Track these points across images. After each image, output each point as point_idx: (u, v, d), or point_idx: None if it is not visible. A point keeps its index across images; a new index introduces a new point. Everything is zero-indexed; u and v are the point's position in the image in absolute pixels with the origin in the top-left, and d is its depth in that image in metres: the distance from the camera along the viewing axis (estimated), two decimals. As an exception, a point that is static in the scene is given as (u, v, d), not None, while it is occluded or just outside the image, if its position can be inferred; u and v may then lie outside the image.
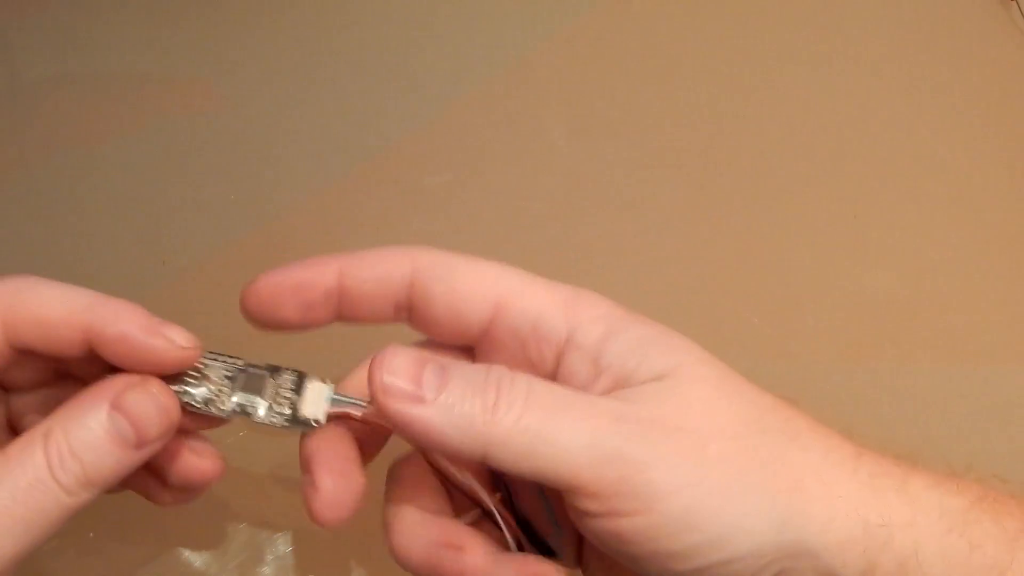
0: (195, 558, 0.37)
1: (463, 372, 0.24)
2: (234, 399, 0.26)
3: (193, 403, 0.26)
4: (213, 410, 0.26)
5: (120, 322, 0.25)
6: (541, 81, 0.53)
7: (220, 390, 0.26)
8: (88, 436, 0.24)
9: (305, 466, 0.26)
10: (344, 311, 0.27)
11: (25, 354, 0.26)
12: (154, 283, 0.44)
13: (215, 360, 0.27)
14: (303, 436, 0.27)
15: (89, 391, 0.25)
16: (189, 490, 0.28)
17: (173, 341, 0.25)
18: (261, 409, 0.26)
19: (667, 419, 0.24)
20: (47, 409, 0.28)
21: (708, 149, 0.50)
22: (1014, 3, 0.57)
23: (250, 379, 0.27)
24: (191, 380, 0.26)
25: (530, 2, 0.56)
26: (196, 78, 0.53)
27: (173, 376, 0.26)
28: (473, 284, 0.26)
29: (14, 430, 0.29)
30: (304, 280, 0.27)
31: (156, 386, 0.25)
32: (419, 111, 0.51)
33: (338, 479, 0.26)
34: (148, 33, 0.54)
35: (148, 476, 0.28)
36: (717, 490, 0.23)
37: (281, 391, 0.27)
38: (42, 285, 0.25)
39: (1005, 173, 0.50)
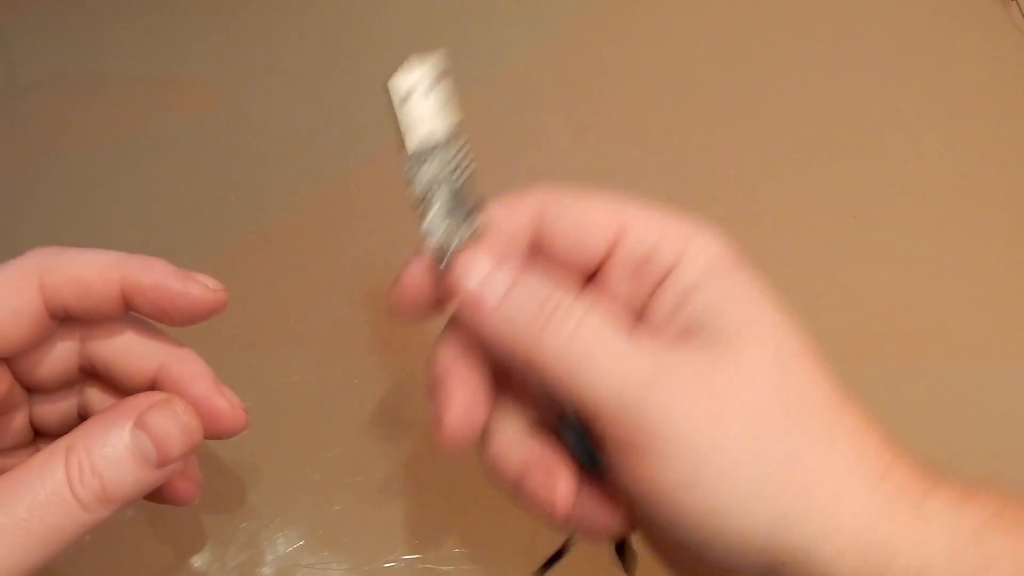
0: (195, 558, 0.37)
1: (527, 287, 0.25)
2: (434, 209, 0.27)
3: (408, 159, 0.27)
4: (411, 183, 0.27)
5: (154, 271, 0.26)
6: (541, 81, 0.53)
7: (434, 170, 0.27)
8: (110, 453, 0.24)
9: (436, 386, 0.27)
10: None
11: (62, 323, 0.26)
12: (154, 283, 0.44)
13: (459, 149, 0.27)
14: (437, 348, 0.28)
15: (113, 408, 0.25)
16: (165, 502, 0.29)
17: (206, 286, 0.27)
18: (437, 221, 0.27)
19: (706, 383, 0.24)
20: (69, 414, 0.29)
21: (708, 150, 0.50)
22: (1014, 3, 0.57)
23: (461, 193, 0.27)
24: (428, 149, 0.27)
25: (530, 2, 0.57)
26: (196, 78, 0.53)
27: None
28: (593, 219, 0.27)
29: (37, 432, 0.29)
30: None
31: (180, 405, 0.26)
32: (419, 111, 0.51)
33: (467, 404, 0.27)
34: (148, 33, 0.54)
35: None
36: (726, 464, 0.23)
37: (466, 214, 0.27)
38: (72, 249, 0.26)
39: (1005, 173, 0.50)
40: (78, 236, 0.46)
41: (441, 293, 0.27)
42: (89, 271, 0.26)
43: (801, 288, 0.46)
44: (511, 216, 0.28)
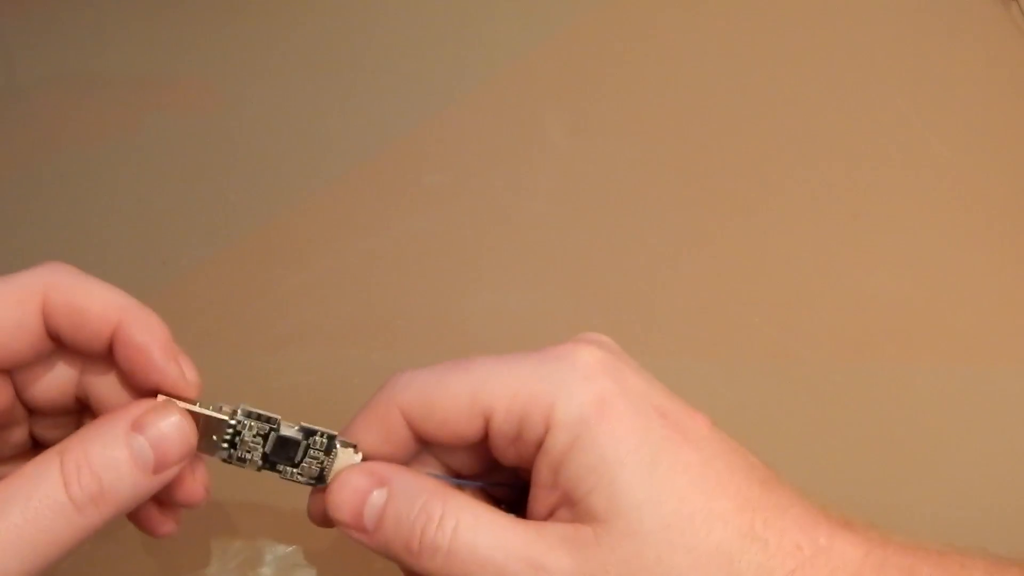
0: (195, 558, 0.37)
1: (397, 507, 0.26)
2: (263, 459, 0.28)
3: (225, 459, 0.27)
4: (243, 466, 0.27)
5: (148, 333, 0.26)
6: (541, 81, 0.53)
7: (251, 450, 0.27)
8: (108, 454, 0.24)
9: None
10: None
11: (55, 347, 0.26)
12: (154, 283, 0.44)
13: (249, 418, 0.27)
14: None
15: (110, 413, 0.25)
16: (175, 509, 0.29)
17: (183, 373, 0.26)
18: (289, 471, 0.28)
19: (586, 566, 0.24)
20: (68, 431, 0.29)
21: (708, 149, 0.50)
22: (1014, 3, 0.57)
23: (282, 442, 0.27)
24: (226, 435, 0.27)
25: (530, 2, 0.57)
26: (196, 78, 0.53)
27: (207, 430, 0.26)
28: (457, 411, 0.27)
29: (36, 444, 0.29)
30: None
31: (177, 412, 0.25)
32: (419, 111, 0.51)
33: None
34: (148, 33, 0.54)
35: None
36: None
37: (311, 452, 0.28)
38: (84, 276, 0.26)
39: (1005, 173, 0.50)
40: (78, 236, 0.46)
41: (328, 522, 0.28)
42: (93, 304, 0.25)
43: (801, 288, 0.46)
44: (383, 423, 0.28)
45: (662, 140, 0.51)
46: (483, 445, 0.28)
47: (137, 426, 0.24)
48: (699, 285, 0.45)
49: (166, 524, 0.29)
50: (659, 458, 0.25)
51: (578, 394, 0.25)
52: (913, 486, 0.40)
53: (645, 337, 0.43)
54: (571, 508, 0.25)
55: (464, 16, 0.56)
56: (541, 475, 0.26)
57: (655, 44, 0.55)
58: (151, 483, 0.25)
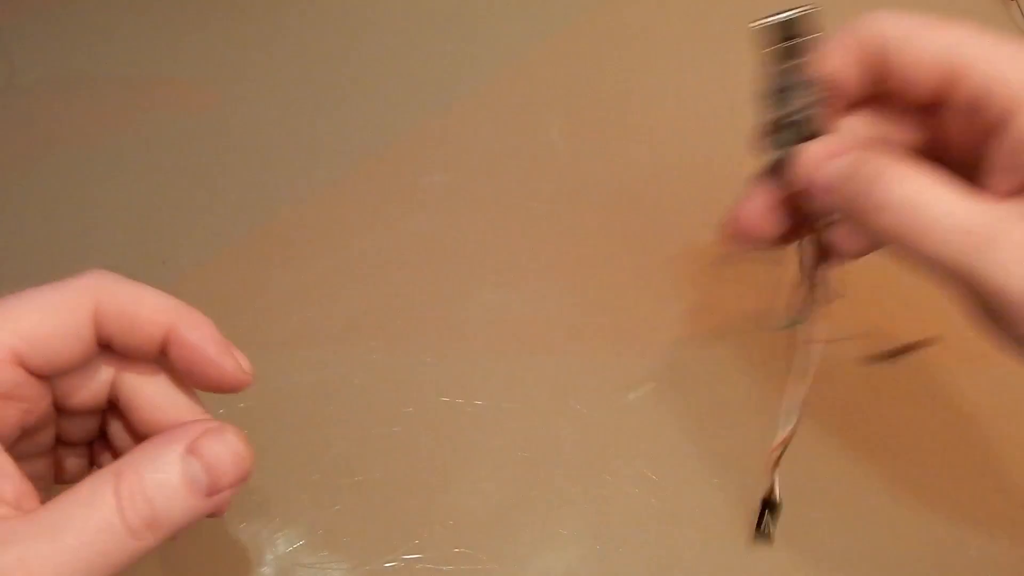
0: (195, 558, 0.37)
1: (857, 166, 0.27)
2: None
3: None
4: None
5: (200, 331, 0.26)
6: (541, 81, 0.53)
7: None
8: (161, 479, 0.24)
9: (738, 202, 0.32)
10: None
11: (103, 351, 0.27)
12: (154, 283, 0.44)
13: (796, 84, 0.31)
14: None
15: (165, 434, 0.25)
16: None
17: (239, 365, 0.27)
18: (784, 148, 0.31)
19: None
20: (92, 430, 0.29)
21: (708, 149, 0.50)
22: (1014, 3, 0.57)
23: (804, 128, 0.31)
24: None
25: (530, 2, 0.57)
26: (196, 78, 0.53)
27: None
28: (923, 52, 0.26)
29: (63, 443, 0.30)
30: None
31: (233, 434, 0.25)
32: (418, 111, 0.52)
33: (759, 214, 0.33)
34: (148, 33, 0.54)
35: None
36: None
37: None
38: (130, 282, 0.27)
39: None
40: (77, 236, 0.46)
41: (785, 189, 0.31)
42: (142, 309, 0.26)
43: (801, 288, 0.46)
44: (843, 58, 0.29)
45: (662, 141, 0.51)
46: (927, 114, 0.27)
47: (191, 449, 0.24)
48: (699, 284, 0.45)
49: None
50: None
51: None
52: (917, 488, 0.40)
53: (645, 337, 0.43)
54: None
55: (464, 16, 0.56)
56: (997, 158, 0.25)
57: (655, 45, 0.55)
58: (205, 506, 0.25)
